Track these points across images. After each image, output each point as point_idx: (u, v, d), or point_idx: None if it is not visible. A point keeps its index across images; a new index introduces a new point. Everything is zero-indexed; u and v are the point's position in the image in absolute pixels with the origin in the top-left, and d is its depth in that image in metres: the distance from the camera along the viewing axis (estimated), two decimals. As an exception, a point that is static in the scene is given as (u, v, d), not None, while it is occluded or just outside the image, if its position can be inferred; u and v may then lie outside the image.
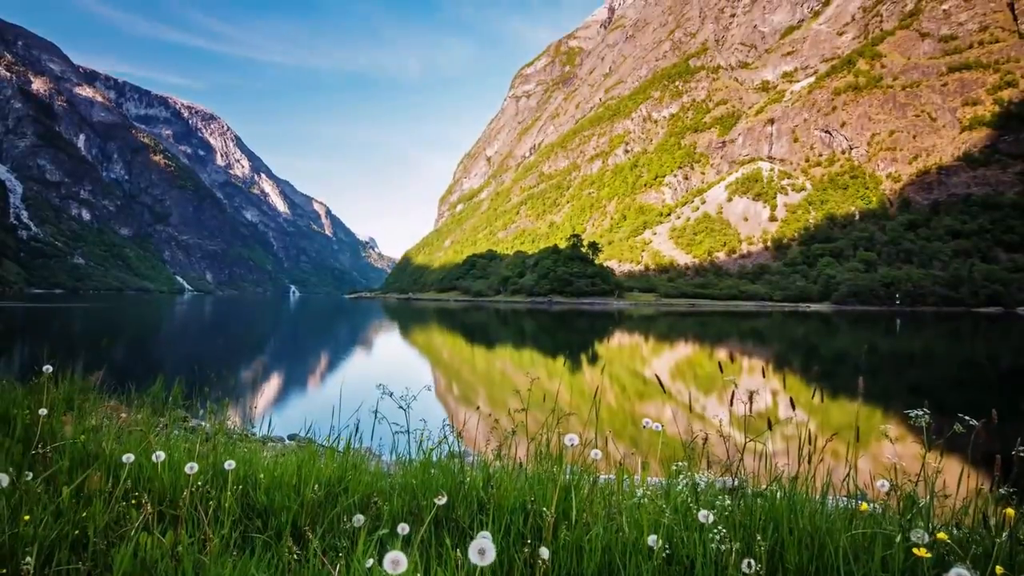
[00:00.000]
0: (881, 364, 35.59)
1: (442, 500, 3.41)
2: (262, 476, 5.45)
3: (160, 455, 4.57)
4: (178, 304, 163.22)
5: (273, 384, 25.75)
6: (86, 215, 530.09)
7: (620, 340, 57.62)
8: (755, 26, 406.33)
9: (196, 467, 4.47)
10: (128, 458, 4.54)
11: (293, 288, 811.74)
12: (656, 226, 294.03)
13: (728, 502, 4.53)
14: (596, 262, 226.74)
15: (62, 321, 62.62)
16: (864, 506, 4.59)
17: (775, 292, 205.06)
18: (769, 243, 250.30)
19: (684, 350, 49.28)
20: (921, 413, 4.75)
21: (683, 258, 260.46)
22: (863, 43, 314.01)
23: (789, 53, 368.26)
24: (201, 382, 10.78)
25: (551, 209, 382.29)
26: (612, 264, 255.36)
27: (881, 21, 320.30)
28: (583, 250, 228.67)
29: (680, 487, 5.43)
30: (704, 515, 3.30)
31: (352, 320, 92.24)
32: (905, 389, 25.30)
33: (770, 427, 5.19)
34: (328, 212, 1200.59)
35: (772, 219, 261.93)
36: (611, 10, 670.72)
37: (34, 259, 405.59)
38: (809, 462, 5.31)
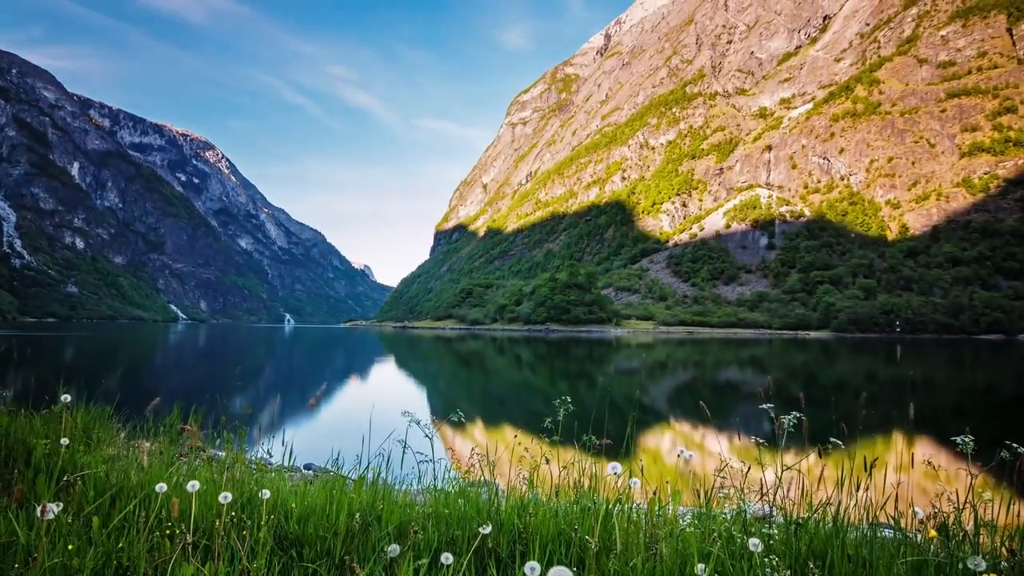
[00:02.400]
0: (882, 392, 34.59)
1: (486, 529, 3.49)
2: (294, 505, 5.36)
3: (195, 484, 4.47)
4: (173, 333, 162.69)
5: (284, 413, 24.47)
6: (80, 243, 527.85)
7: (622, 367, 56.44)
8: (752, 53, 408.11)
9: (230, 497, 4.41)
10: (161, 488, 4.61)
11: (288, 317, 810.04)
12: (653, 254, 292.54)
13: (775, 530, 4.81)
14: (593, 290, 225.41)
15: (61, 349, 61.54)
16: (932, 532, 4.64)
17: (774, 320, 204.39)
18: (768, 270, 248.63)
19: (687, 377, 48.30)
20: (967, 440, 4.90)
21: (681, 286, 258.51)
22: (861, 69, 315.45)
23: (786, 80, 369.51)
24: (218, 411, 10.51)
25: (547, 237, 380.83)
26: (609, 292, 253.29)
27: (879, 47, 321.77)
28: (580, 278, 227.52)
29: (725, 515, 5.41)
30: (755, 543, 3.52)
31: (354, 349, 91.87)
32: (917, 416, 23.58)
33: (820, 455, 5.25)
34: (323, 240, 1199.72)
35: (770, 246, 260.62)
36: (607, 37, 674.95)
37: (27, 288, 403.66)
38: (857, 489, 5.34)
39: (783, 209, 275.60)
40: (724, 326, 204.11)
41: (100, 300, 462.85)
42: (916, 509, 4.62)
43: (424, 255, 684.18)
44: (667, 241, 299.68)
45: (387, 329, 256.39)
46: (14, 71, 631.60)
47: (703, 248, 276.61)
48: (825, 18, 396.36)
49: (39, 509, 3.61)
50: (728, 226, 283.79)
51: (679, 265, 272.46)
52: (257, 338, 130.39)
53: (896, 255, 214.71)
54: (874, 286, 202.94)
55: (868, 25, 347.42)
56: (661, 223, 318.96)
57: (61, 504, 4.30)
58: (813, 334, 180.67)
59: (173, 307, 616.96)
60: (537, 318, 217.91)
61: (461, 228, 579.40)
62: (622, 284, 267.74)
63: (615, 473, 4.34)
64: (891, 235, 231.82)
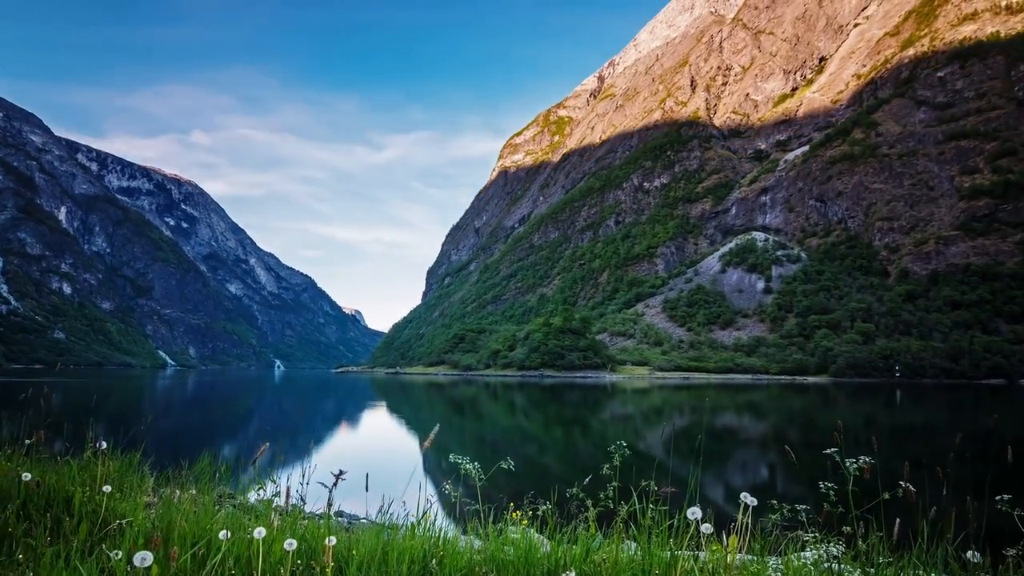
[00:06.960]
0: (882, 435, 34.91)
1: (571, 575, 3.49)
2: (355, 552, 5.37)
3: (261, 531, 4.46)
4: (162, 379, 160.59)
5: (306, 459, 20.82)
6: (67, 289, 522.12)
7: (625, 413, 57.59)
8: (747, 95, 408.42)
9: (295, 544, 4.42)
10: (224, 535, 4.66)
11: (278, 363, 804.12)
12: (649, 298, 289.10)
13: (859, 573, 4.91)
14: (588, 335, 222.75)
15: (68, 396, 61.98)
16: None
17: (771, 365, 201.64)
18: (765, 315, 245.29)
19: (720, 424, 47.27)
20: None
21: (677, 331, 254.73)
22: (858, 111, 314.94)
23: (782, 122, 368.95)
24: (246, 457, 9.60)
25: (541, 282, 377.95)
26: (604, 336, 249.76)
27: (876, 89, 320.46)
28: (574, 323, 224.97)
29: (804, 560, 5.57)
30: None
31: (354, 395, 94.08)
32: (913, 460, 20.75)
33: (904, 494, 5.20)
34: (314, 285, 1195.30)
35: (767, 291, 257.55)
36: (600, 79, 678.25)
37: (14, 334, 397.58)
38: (931, 534, 5.33)
39: (780, 253, 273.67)
40: (721, 371, 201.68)
41: (88, 346, 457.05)
42: (970, 554, 4.61)
43: (416, 300, 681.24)
44: (662, 285, 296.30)
45: (380, 375, 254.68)
46: (0, 115, 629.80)
47: (699, 292, 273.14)
48: (821, 60, 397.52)
49: (137, 557, 3.55)
50: (724, 270, 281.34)
51: (675, 310, 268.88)
52: (252, 385, 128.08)
53: (895, 299, 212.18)
54: (872, 330, 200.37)
55: (865, 66, 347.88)
56: (656, 267, 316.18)
57: (119, 552, 4.38)
58: (811, 379, 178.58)
59: (161, 353, 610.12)
60: (531, 364, 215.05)
61: (453, 272, 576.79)
62: (617, 329, 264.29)
63: (695, 519, 4.27)
64: (890, 279, 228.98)
